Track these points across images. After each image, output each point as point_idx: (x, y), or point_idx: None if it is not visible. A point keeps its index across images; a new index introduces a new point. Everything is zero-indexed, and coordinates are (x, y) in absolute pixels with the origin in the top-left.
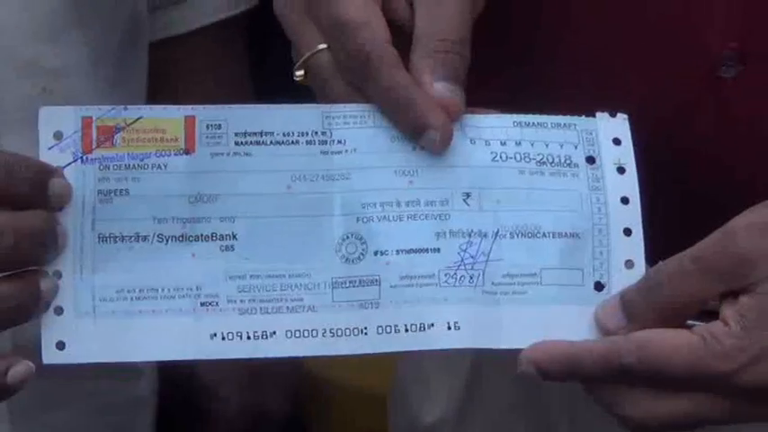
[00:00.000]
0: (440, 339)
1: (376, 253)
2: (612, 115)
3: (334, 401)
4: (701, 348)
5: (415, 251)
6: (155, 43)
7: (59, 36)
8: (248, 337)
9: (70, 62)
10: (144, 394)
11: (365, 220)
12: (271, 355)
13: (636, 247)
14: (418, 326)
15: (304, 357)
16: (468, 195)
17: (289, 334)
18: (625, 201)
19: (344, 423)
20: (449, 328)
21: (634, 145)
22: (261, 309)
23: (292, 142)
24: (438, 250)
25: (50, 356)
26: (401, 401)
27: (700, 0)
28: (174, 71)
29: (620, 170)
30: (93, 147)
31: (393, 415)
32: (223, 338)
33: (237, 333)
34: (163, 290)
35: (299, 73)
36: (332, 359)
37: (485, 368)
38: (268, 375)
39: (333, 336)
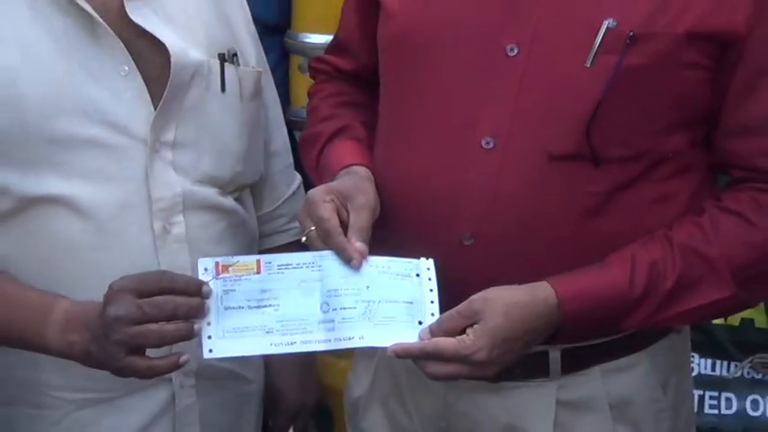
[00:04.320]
0: (359, 343)
1: (335, 309)
2: (427, 258)
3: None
4: (457, 345)
5: (350, 308)
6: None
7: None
8: (285, 345)
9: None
10: (254, 390)
11: (330, 296)
12: (293, 352)
13: (435, 307)
14: (350, 338)
15: (307, 353)
16: (368, 286)
17: (301, 344)
18: (431, 290)
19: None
20: (361, 338)
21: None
22: (290, 333)
23: (301, 267)
24: (356, 307)
25: (206, 356)
26: (347, 386)
27: (447, 201)
28: None
29: (429, 279)
30: (220, 273)
31: (344, 394)
32: (276, 346)
33: (281, 343)
34: (250, 327)
35: (303, 239)
36: (328, 372)
37: (379, 366)
38: (307, 376)
39: (318, 343)
